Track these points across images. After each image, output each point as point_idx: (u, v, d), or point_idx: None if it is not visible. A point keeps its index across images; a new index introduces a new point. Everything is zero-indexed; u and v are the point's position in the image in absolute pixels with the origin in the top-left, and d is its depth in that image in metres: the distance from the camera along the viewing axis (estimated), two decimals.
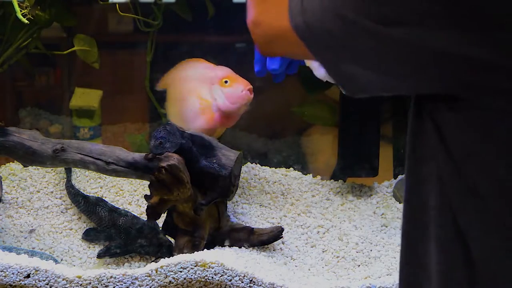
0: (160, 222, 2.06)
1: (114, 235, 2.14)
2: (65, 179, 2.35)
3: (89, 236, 2.20)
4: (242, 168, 2.22)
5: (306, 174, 2.55)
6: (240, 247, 2.06)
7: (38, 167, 2.40)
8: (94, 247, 2.18)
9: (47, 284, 1.74)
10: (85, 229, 2.23)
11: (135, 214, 2.20)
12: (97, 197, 2.28)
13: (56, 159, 2.04)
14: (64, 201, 2.33)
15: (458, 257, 0.90)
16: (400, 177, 2.49)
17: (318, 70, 1.76)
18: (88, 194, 2.30)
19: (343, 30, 0.88)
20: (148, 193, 1.95)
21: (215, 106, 2.10)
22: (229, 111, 2.11)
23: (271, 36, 1.03)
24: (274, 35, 1.02)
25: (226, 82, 2.06)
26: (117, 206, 2.23)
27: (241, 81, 2.09)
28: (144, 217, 2.15)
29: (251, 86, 2.06)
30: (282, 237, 2.12)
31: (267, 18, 1.03)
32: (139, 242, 2.09)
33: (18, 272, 1.74)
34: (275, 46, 1.05)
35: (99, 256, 2.10)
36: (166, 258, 1.85)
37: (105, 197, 2.34)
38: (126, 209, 2.25)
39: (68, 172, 2.36)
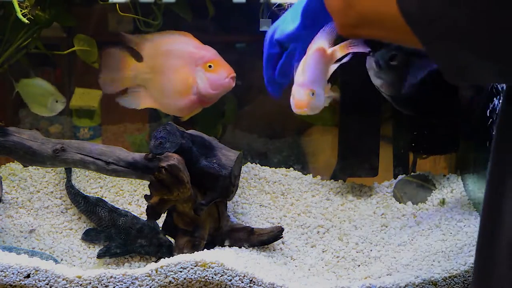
0: (160, 222, 2.06)
1: (114, 235, 2.14)
2: (65, 179, 2.35)
3: (89, 236, 2.20)
4: (242, 168, 2.22)
5: (306, 174, 2.55)
6: (240, 247, 2.06)
7: (38, 167, 2.40)
8: (94, 247, 2.18)
9: (47, 284, 1.74)
10: (85, 229, 2.23)
11: (135, 214, 2.20)
12: (97, 197, 2.28)
13: (56, 159, 2.04)
14: (64, 201, 2.34)
15: None
16: (400, 177, 2.49)
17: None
18: (88, 194, 2.30)
19: (471, 18, 0.86)
20: (148, 193, 1.95)
21: (195, 88, 2.06)
22: (209, 96, 2.07)
23: (367, 19, 0.99)
24: (371, 18, 0.98)
25: (210, 66, 2.01)
26: (117, 206, 2.24)
27: (225, 68, 2.04)
28: (144, 217, 2.15)
29: (234, 74, 2.02)
30: (282, 237, 2.12)
31: (367, 1, 0.99)
32: (139, 242, 2.09)
33: (18, 272, 1.74)
34: (366, 29, 1.01)
35: (99, 256, 2.10)
36: (166, 258, 1.84)
37: (105, 197, 2.35)
38: (126, 209, 2.25)
39: (68, 172, 2.36)
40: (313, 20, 1.75)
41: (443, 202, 2.30)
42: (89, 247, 2.18)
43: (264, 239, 2.10)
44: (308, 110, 1.75)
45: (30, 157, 2.05)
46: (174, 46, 2.10)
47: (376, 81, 2.05)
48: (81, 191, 2.31)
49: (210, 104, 2.10)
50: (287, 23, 1.80)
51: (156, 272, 1.77)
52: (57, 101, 2.38)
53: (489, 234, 1.03)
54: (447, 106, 2.04)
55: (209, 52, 2.05)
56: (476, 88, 1.98)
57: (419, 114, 2.15)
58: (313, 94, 1.74)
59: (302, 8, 1.75)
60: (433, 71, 1.92)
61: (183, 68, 2.03)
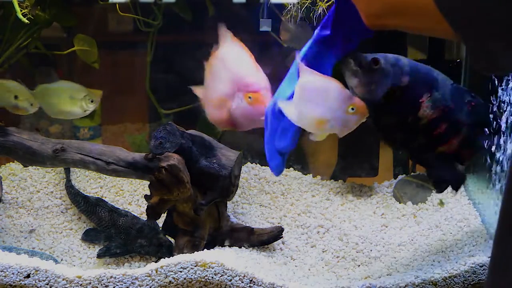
0: (160, 222, 2.06)
1: (114, 235, 2.14)
2: (65, 180, 2.35)
3: (88, 236, 2.20)
4: (242, 168, 2.22)
5: (306, 174, 2.55)
6: (240, 247, 2.07)
7: (38, 167, 2.40)
8: (94, 247, 2.18)
9: (47, 284, 1.74)
10: (85, 229, 2.23)
11: (135, 214, 2.20)
12: (97, 197, 2.28)
13: (56, 159, 2.05)
14: (64, 201, 2.34)
15: None
16: (400, 177, 2.49)
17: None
18: (88, 194, 2.30)
19: (503, 4, 0.86)
20: (148, 193, 1.95)
21: (231, 110, 2.00)
22: (239, 123, 1.97)
23: (393, 8, 0.98)
24: (397, 7, 0.97)
25: (250, 98, 1.88)
26: (117, 206, 2.24)
27: (264, 105, 1.89)
28: (144, 217, 2.15)
29: None
30: (282, 237, 2.12)
31: None
32: (139, 242, 2.09)
33: (18, 272, 1.74)
34: (392, 19, 0.99)
35: (99, 256, 2.10)
36: (166, 258, 1.85)
37: (105, 197, 2.35)
38: (126, 209, 2.25)
39: (67, 172, 2.36)
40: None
41: (442, 203, 2.31)
42: (89, 247, 2.18)
43: (264, 239, 2.10)
44: None
45: (30, 157, 2.06)
46: (231, 61, 2.02)
47: (352, 81, 2.00)
48: (81, 191, 2.31)
49: (242, 129, 2.03)
50: (285, 90, 1.77)
51: (156, 272, 1.77)
52: (92, 101, 2.26)
53: (509, 226, 1.02)
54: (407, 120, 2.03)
55: (256, 83, 1.91)
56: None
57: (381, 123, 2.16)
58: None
59: (297, 68, 1.73)
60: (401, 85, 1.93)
61: (226, 86, 1.97)
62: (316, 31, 1.72)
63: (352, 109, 1.76)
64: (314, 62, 1.74)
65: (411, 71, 1.83)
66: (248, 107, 1.88)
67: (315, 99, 1.74)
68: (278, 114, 1.77)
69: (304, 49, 1.74)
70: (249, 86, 1.89)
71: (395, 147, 2.15)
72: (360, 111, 1.76)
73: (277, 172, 1.78)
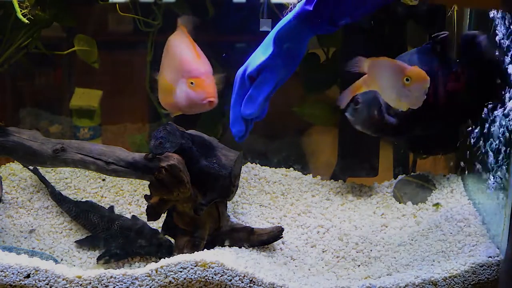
0: (160, 222, 2.06)
1: (111, 240, 2.13)
2: (49, 192, 2.31)
3: (84, 245, 2.17)
4: (242, 168, 2.22)
5: (306, 174, 2.55)
6: (240, 247, 2.06)
7: (38, 167, 2.40)
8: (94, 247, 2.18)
9: (47, 284, 1.74)
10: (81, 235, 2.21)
11: (125, 216, 2.19)
12: (88, 202, 2.25)
13: (56, 159, 2.04)
14: None
15: None
16: (400, 177, 2.49)
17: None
18: (78, 200, 2.28)
19: None
20: (148, 193, 1.95)
21: (175, 95, 2.02)
22: (183, 108, 2.03)
23: None
24: None
25: (192, 83, 1.97)
26: (107, 208, 2.22)
27: (206, 90, 1.98)
28: (144, 217, 2.15)
29: (213, 99, 1.95)
30: (282, 237, 2.12)
31: None
32: (138, 242, 2.09)
33: (18, 272, 1.74)
34: None
35: (99, 259, 2.09)
36: (166, 258, 1.84)
37: (105, 197, 2.34)
38: (126, 209, 2.25)
39: (47, 183, 2.32)
40: (285, 47, 1.77)
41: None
42: (89, 247, 2.18)
43: (264, 239, 2.10)
44: None
45: (30, 157, 2.05)
46: (176, 49, 2.09)
47: (358, 128, 2.26)
48: (80, 190, 2.31)
49: (188, 113, 2.10)
50: (258, 58, 1.81)
51: (156, 272, 1.77)
52: None
53: None
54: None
55: (198, 69, 2.00)
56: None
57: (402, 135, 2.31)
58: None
59: (273, 38, 1.76)
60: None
61: (171, 73, 2.05)
62: (299, 4, 1.75)
63: (407, 79, 1.80)
64: (291, 35, 1.77)
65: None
66: (191, 92, 1.96)
67: (381, 84, 1.86)
68: (245, 81, 1.82)
69: (283, 20, 1.76)
70: (191, 72, 1.98)
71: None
72: (416, 78, 1.80)
73: (239, 138, 1.85)
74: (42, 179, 2.33)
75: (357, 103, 2.20)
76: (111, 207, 2.24)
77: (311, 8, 1.72)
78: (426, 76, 1.80)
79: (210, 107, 1.97)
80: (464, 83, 2.09)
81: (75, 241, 2.18)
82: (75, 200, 2.28)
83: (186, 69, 2.01)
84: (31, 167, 2.36)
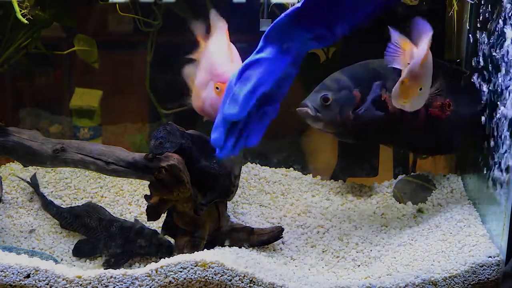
0: (160, 222, 2.06)
1: (109, 244, 2.12)
2: (41, 201, 2.28)
3: (81, 252, 2.13)
4: (242, 168, 2.22)
5: (306, 174, 2.55)
6: (240, 247, 2.07)
7: (38, 167, 2.40)
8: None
9: (47, 284, 1.74)
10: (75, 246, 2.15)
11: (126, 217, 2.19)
12: (84, 206, 2.21)
13: (56, 159, 2.04)
14: (64, 201, 2.33)
15: None
16: (400, 177, 2.49)
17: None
18: (72, 206, 2.25)
19: None
20: (148, 193, 1.95)
21: (203, 98, 1.98)
22: (206, 111, 1.98)
23: None
24: None
25: (217, 88, 1.90)
26: (105, 210, 2.21)
27: None
28: (144, 217, 2.15)
29: None
30: (282, 237, 2.12)
31: None
32: (138, 242, 2.09)
33: (18, 272, 1.74)
34: None
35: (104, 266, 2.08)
36: (166, 258, 1.84)
37: (105, 197, 2.34)
38: (126, 209, 2.25)
39: (39, 192, 2.29)
40: (274, 44, 1.72)
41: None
42: (87, 257, 2.17)
43: (264, 239, 2.10)
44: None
45: (30, 157, 2.05)
46: (211, 52, 1.99)
47: (317, 125, 2.19)
48: (80, 190, 2.30)
49: (211, 119, 2.03)
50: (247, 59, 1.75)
51: (156, 272, 1.77)
52: None
53: None
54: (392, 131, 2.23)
55: (226, 73, 1.90)
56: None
57: (364, 140, 2.32)
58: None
59: (263, 36, 1.73)
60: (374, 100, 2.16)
61: (205, 73, 1.99)
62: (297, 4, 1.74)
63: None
64: (280, 32, 1.73)
65: (356, 81, 2.13)
66: (215, 97, 1.90)
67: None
68: (231, 84, 1.73)
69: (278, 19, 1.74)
70: (219, 76, 1.90)
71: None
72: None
73: (219, 149, 1.71)
74: (37, 190, 2.31)
75: (327, 100, 2.15)
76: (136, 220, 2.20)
77: (300, 6, 1.70)
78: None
79: None
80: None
81: (73, 254, 2.13)
82: (70, 206, 2.25)
83: (215, 72, 1.93)
84: (28, 180, 2.34)
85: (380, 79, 2.16)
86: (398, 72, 1.98)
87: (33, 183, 2.32)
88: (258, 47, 1.74)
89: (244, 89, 1.69)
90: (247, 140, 1.74)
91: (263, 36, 1.74)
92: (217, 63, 1.93)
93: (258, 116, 1.75)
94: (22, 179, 2.34)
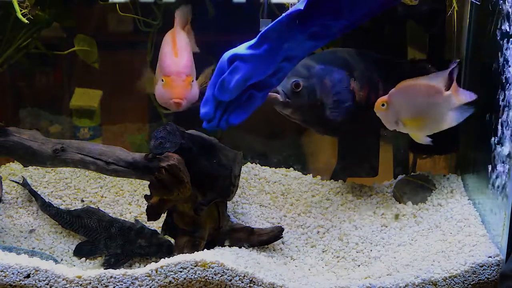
0: (160, 222, 2.06)
1: (109, 244, 2.12)
2: (39, 203, 2.27)
3: (81, 252, 2.15)
4: (242, 168, 2.22)
5: (306, 174, 2.55)
6: (240, 247, 2.07)
7: (38, 167, 2.40)
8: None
9: (47, 284, 1.74)
10: (76, 246, 2.17)
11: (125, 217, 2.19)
12: (82, 209, 2.22)
13: (56, 159, 2.04)
14: (64, 201, 2.33)
15: None
16: (400, 177, 2.49)
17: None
18: (70, 209, 2.25)
19: None
20: (148, 193, 1.95)
21: (155, 88, 2.12)
22: (158, 100, 2.13)
23: None
24: None
25: (162, 81, 2.04)
26: (104, 213, 2.21)
27: (173, 90, 2.03)
28: (144, 217, 2.15)
29: (179, 101, 2.02)
30: (282, 237, 2.12)
31: None
32: (138, 242, 2.09)
33: (18, 272, 1.74)
34: None
35: (104, 266, 2.08)
36: (166, 258, 1.84)
37: (105, 197, 2.34)
38: (126, 209, 2.25)
39: (36, 194, 2.28)
40: (270, 42, 1.75)
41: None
42: (88, 257, 2.17)
43: (264, 239, 2.10)
44: None
45: (30, 157, 2.05)
46: (163, 44, 2.15)
47: (286, 111, 2.19)
48: (80, 191, 2.30)
49: (162, 107, 2.20)
50: (243, 47, 1.80)
51: (156, 272, 1.77)
52: None
53: None
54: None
55: (170, 67, 2.05)
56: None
57: (334, 131, 2.36)
58: None
59: (260, 33, 1.77)
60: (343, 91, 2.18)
61: (158, 67, 2.13)
62: (297, 4, 1.76)
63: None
64: (279, 32, 1.76)
65: (326, 69, 2.15)
66: (161, 90, 2.05)
67: None
68: (225, 65, 1.80)
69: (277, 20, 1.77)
70: (164, 70, 2.06)
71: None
72: None
73: (207, 122, 1.83)
74: (32, 191, 2.30)
75: (298, 86, 2.12)
76: (137, 220, 2.21)
77: (303, 8, 1.71)
78: None
79: (178, 108, 2.02)
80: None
81: (74, 254, 2.14)
82: (68, 209, 2.25)
83: (161, 65, 2.08)
84: (20, 181, 2.33)
85: (349, 68, 2.18)
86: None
87: (24, 184, 2.32)
88: (253, 42, 1.78)
89: (232, 80, 1.78)
90: (229, 116, 1.85)
91: (261, 32, 1.76)
92: (162, 57, 2.10)
93: (245, 97, 1.84)
94: (17, 182, 2.33)
